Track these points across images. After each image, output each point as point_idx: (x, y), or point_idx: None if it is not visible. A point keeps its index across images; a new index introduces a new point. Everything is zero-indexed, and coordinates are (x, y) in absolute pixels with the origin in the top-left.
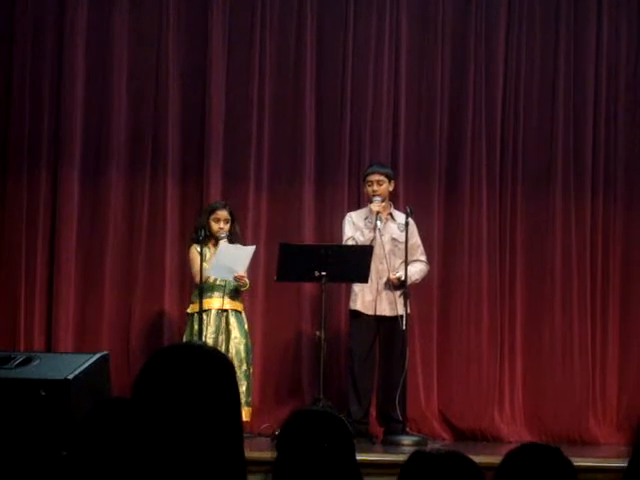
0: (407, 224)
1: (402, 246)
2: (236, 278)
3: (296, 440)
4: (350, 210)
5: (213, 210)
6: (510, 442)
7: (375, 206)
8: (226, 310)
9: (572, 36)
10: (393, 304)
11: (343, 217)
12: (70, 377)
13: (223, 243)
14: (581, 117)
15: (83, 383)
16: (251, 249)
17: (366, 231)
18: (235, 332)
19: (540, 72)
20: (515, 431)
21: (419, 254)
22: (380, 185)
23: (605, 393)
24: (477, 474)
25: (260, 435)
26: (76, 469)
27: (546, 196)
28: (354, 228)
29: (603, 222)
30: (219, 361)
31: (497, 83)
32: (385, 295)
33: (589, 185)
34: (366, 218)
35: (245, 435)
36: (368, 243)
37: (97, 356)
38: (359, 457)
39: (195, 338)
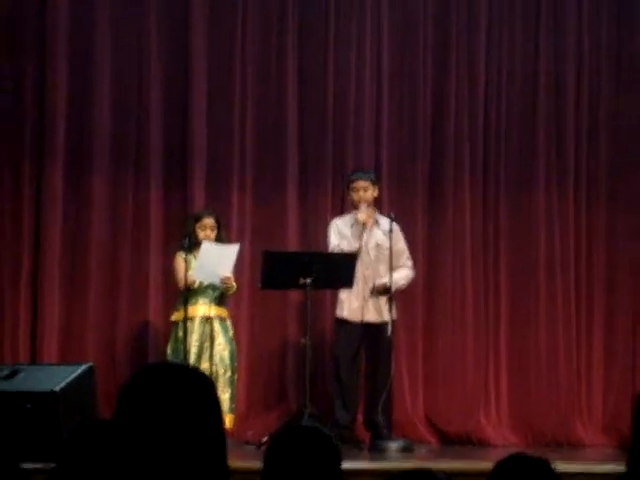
0: (391, 230)
1: (386, 252)
2: (222, 281)
3: (283, 457)
4: (334, 214)
5: (199, 218)
6: (496, 446)
7: (362, 216)
8: (210, 317)
9: (552, 34)
10: (379, 310)
11: (327, 221)
12: (57, 389)
13: (205, 244)
14: (562, 117)
15: (70, 395)
16: (235, 248)
17: (352, 240)
18: (219, 339)
19: (521, 73)
20: (501, 434)
21: (405, 259)
22: (366, 191)
23: (590, 395)
24: None
25: (247, 443)
26: None
27: (529, 198)
28: (340, 236)
29: (587, 226)
30: (199, 379)
31: (479, 86)
32: (371, 301)
33: (571, 187)
34: (352, 226)
35: (230, 442)
36: None
37: (83, 367)
38: (346, 465)
39: (179, 346)
